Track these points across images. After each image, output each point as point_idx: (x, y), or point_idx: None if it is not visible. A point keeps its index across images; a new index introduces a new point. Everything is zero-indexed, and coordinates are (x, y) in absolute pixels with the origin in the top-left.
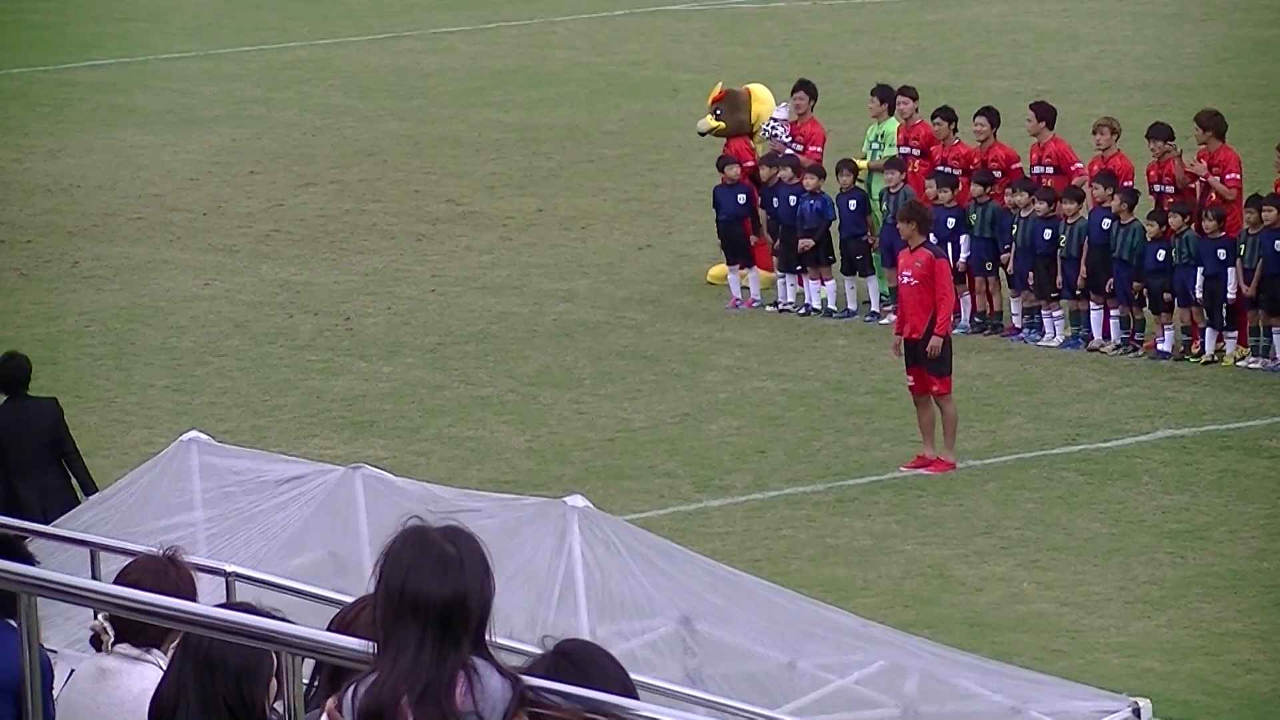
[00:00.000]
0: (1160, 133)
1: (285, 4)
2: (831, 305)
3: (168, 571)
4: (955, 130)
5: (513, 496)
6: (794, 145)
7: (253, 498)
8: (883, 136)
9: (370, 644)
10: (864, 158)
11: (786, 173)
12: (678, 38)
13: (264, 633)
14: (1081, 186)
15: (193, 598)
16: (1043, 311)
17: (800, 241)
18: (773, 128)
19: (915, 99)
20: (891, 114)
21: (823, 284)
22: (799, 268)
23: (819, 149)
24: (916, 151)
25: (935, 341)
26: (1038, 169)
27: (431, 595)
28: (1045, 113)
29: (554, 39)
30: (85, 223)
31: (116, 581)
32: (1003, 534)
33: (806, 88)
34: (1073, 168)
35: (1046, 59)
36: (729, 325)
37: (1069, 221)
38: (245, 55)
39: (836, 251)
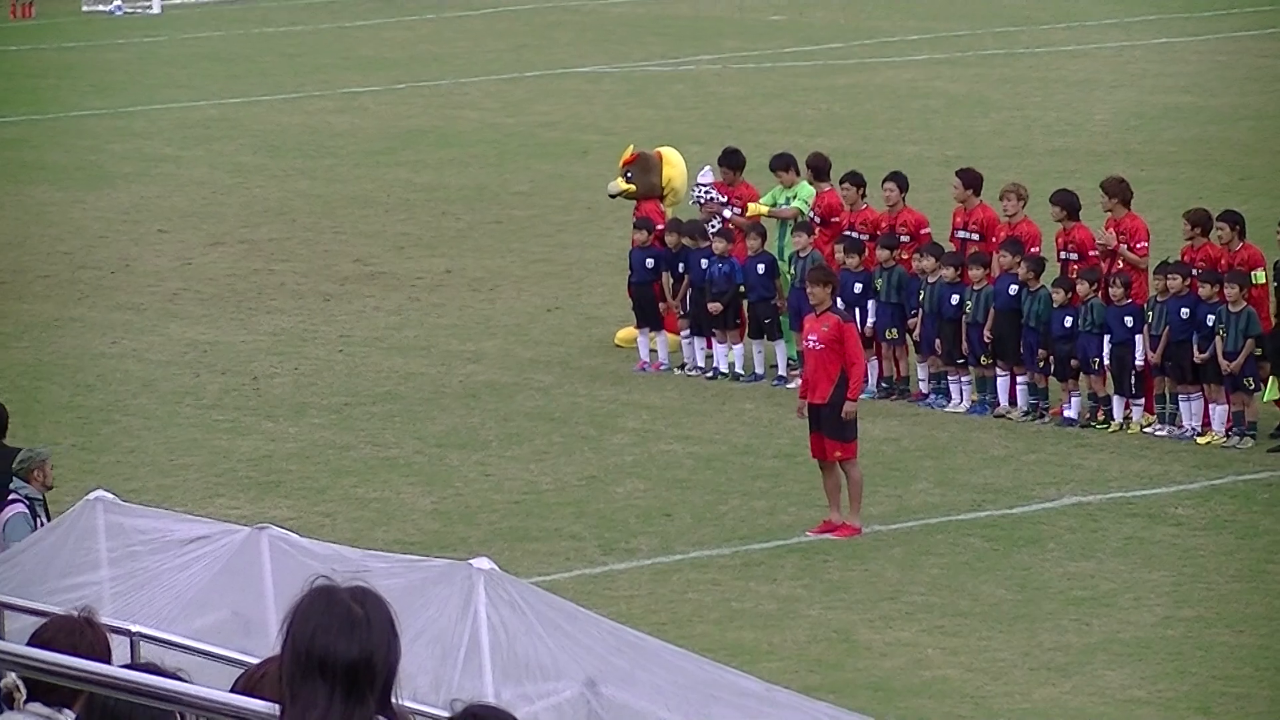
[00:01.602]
0: (1062, 200)
1: (196, 62)
2: (739, 369)
3: (83, 632)
4: (864, 195)
5: (418, 558)
6: (732, 207)
7: (159, 557)
8: (795, 199)
9: (272, 705)
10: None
11: (690, 240)
12: (588, 99)
13: (168, 693)
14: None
15: (107, 659)
16: (949, 377)
17: (709, 305)
18: (705, 192)
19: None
20: (799, 176)
21: (730, 347)
22: (711, 331)
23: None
24: (818, 219)
25: (850, 406)
26: (961, 234)
27: (339, 654)
28: (972, 180)
29: (464, 100)
30: None
31: (31, 641)
32: (908, 599)
33: (732, 158)
34: (993, 238)
35: (956, 124)
36: (636, 388)
37: (975, 287)
38: (155, 113)
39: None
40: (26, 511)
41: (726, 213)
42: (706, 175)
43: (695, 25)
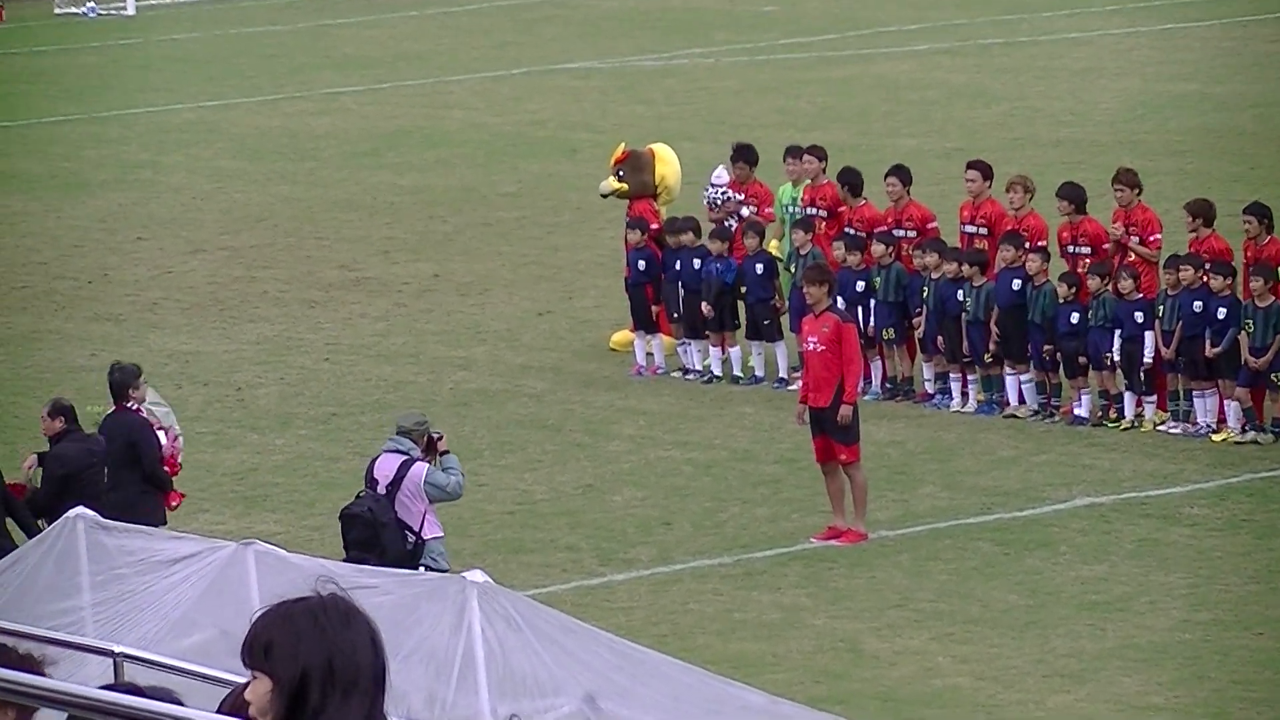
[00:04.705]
0: (1069, 193)
1: (171, 65)
2: (738, 372)
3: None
4: (860, 193)
5: (410, 572)
6: (749, 205)
7: (145, 579)
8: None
9: None
10: (783, 221)
11: (688, 237)
12: (577, 97)
13: (152, 715)
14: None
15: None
16: (952, 376)
17: (703, 307)
18: (723, 193)
19: (822, 159)
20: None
21: (725, 350)
22: (705, 334)
23: (771, 209)
24: (823, 213)
25: (845, 410)
26: (969, 228)
27: (366, 667)
28: (989, 173)
29: (450, 99)
30: None
31: None
32: (916, 606)
33: (745, 154)
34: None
35: (956, 116)
36: (632, 393)
37: (975, 284)
38: (131, 118)
39: (742, 316)
40: (429, 466)
41: (744, 211)
42: (721, 176)
43: (685, 18)
